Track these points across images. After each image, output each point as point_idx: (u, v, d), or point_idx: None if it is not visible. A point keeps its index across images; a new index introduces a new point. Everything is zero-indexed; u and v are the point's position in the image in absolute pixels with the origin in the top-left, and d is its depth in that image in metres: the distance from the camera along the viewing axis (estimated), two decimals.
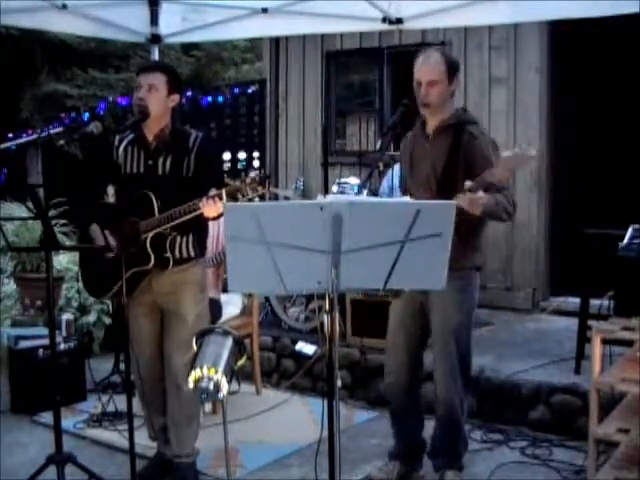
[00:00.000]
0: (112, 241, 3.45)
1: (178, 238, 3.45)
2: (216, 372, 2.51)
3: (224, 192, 3.13)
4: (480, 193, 2.96)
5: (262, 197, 3.22)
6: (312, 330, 5.28)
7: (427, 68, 3.24)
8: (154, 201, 3.33)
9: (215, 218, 3.27)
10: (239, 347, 2.68)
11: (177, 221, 3.27)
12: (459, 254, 2.78)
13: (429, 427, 3.59)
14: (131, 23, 5.38)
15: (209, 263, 4.50)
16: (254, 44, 12.10)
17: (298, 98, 7.48)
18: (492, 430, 4.24)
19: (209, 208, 3.16)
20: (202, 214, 3.24)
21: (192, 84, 10.74)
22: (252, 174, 3.16)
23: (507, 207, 3.20)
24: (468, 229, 3.16)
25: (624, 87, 5.66)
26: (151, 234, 3.34)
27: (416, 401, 3.61)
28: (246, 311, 4.91)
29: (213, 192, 3.17)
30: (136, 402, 3.57)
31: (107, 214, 3.48)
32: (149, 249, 3.36)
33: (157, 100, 3.39)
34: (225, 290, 4.67)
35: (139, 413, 3.74)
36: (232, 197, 3.12)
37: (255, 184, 3.11)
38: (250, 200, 3.13)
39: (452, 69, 3.28)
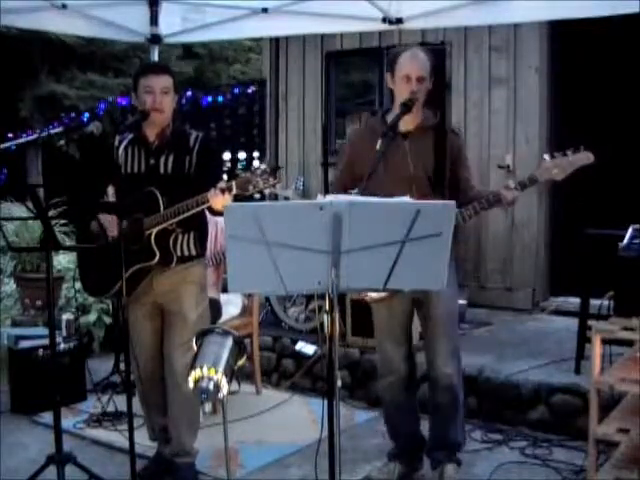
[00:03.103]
0: (107, 221, 3.40)
1: (180, 236, 3.45)
2: (216, 372, 2.52)
3: (234, 183, 3.11)
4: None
5: (261, 194, 3.21)
6: (312, 330, 5.28)
7: (418, 64, 3.25)
8: (159, 198, 3.33)
9: (220, 213, 3.25)
10: (239, 347, 2.68)
11: (185, 214, 3.26)
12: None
13: (424, 426, 3.60)
14: (131, 23, 5.38)
15: (208, 263, 4.50)
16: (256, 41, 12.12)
17: (298, 98, 7.48)
18: (492, 430, 4.24)
19: (218, 200, 3.13)
20: (207, 209, 3.25)
21: (192, 84, 10.75)
22: (263, 165, 3.15)
23: None
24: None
25: (624, 87, 5.66)
26: (156, 230, 3.34)
27: (414, 398, 3.61)
28: (246, 311, 4.91)
29: (223, 184, 3.15)
30: (136, 402, 3.57)
31: (110, 212, 3.47)
32: (154, 245, 3.35)
33: (170, 103, 3.43)
34: (225, 290, 4.67)
35: (139, 413, 3.74)
36: (242, 188, 3.10)
37: (266, 175, 3.10)
38: (261, 192, 3.11)
39: (433, 68, 3.31)
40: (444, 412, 3.45)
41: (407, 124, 3.31)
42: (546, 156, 3.17)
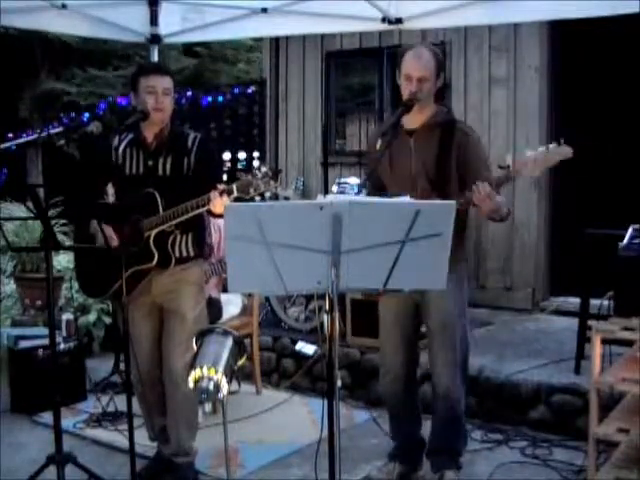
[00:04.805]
0: (110, 233, 3.39)
1: (178, 237, 3.45)
2: (216, 372, 2.52)
3: (235, 186, 3.11)
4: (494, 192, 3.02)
5: (262, 197, 3.20)
6: (312, 330, 5.28)
7: (419, 64, 3.24)
8: (158, 200, 3.33)
9: (220, 216, 3.23)
10: (239, 347, 2.68)
11: (184, 217, 3.26)
12: (455, 248, 2.79)
13: (427, 427, 3.59)
14: (131, 23, 5.39)
15: (215, 271, 4.49)
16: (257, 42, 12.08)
17: (298, 98, 7.48)
18: (492, 430, 4.24)
19: (218, 202, 3.12)
20: (205, 211, 3.24)
21: (192, 83, 10.74)
22: (264, 168, 3.14)
23: (506, 209, 3.27)
24: (461, 222, 3.19)
25: (624, 87, 5.66)
26: (154, 232, 3.34)
27: (414, 400, 3.61)
28: (246, 311, 4.91)
29: (223, 186, 3.14)
30: (136, 402, 3.58)
31: (109, 213, 3.47)
32: (152, 247, 3.35)
33: (170, 104, 3.44)
34: (225, 290, 4.67)
35: (139, 413, 3.74)
36: (244, 191, 3.09)
37: (267, 178, 3.08)
38: (262, 195, 3.11)
39: (439, 66, 3.29)
40: (442, 420, 3.45)
41: (413, 122, 3.30)
42: (527, 152, 3.06)
